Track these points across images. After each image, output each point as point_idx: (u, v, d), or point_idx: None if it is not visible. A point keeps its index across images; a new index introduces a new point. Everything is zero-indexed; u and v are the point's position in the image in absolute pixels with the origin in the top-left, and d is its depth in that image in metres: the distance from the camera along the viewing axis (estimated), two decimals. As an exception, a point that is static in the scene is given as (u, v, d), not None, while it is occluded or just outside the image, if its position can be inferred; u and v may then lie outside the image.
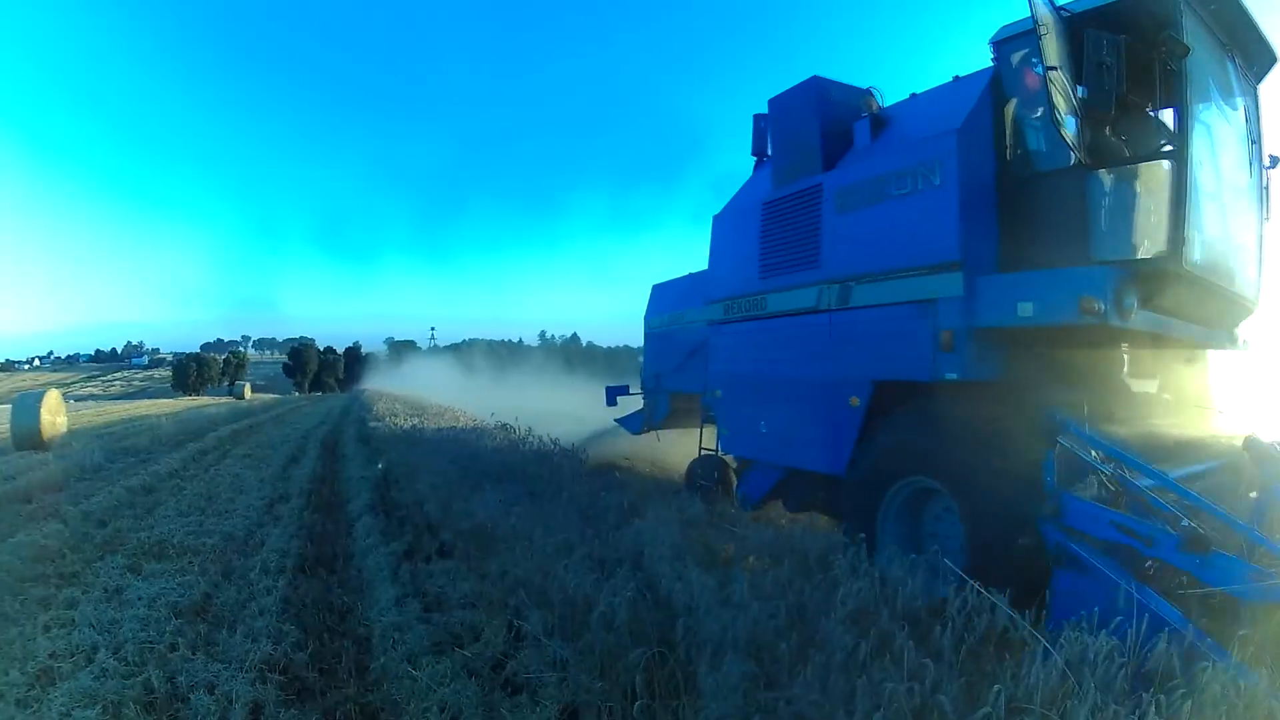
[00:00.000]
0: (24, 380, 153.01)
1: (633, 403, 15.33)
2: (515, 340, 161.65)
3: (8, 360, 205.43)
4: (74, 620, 6.69)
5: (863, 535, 6.76)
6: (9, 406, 22.91)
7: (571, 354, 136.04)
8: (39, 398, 21.63)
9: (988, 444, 6.41)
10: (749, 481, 10.12)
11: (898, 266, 7.60)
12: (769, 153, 10.39)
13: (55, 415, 22.20)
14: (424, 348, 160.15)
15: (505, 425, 19.53)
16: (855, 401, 7.96)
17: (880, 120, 8.56)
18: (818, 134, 8.85)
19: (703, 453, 11.65)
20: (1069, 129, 6.47)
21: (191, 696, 5.27)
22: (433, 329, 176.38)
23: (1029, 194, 7.16)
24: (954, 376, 6.99)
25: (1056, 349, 7.13)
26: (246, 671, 5.66)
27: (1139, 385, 8.00)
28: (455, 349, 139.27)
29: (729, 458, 11.14)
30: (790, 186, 9.20)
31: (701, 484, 10.99)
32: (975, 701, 4.13)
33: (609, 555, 6.96)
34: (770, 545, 7.24)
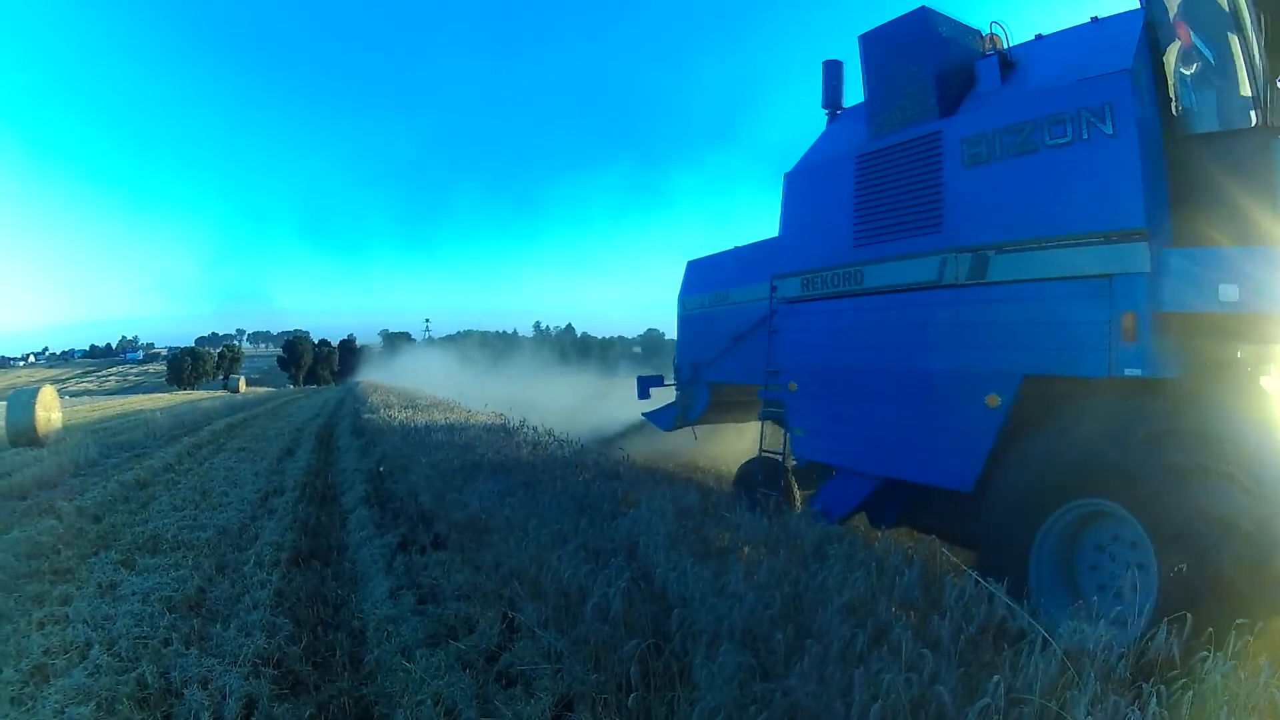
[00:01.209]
0: (19, 376, 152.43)
1: (663, 395, 14.22)
2: (510, 331, 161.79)
3: (2, 357, 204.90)
4: (68, 616, 6.68)
5: (1002, 572, 5.55)
6: (3, 403, 22.83)
7: (566, 345, 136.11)
8: (34, 394, 21.56)
9: (1198, 458, 5.23)
10: (832, 492, 8.64)
11: (1057, 233, 6.27)
12: (843, 105, 9.32)
13: (50, 411, 22.14)
14: (419, 340, 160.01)
15: (500, 416, 19.51)
16: (994, 401, 6.62)
17: (1008, 61, 7.22)
18: (931, 73, 7.42)
19: (764, 454, 10.30)
20: (1253, 87, 5.92)
21: (185, 691, 5.25)
22: (427, 321, 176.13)
23: (1198, 156, 5.99)
24: (1137, 372, 5.82)
25: (1253, 343, 5.92)
26: (240, 666, 5.64)
27: None
28: (450, 341, 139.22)
29: (791, 460, 9.92)
30: (894, 135, 7.80)
31: (764, 492, 9.18)
32: (974, 692, 4.11)
33: (603, 546, 6.92)
34: (766, 535, 7.21)
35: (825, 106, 9.45)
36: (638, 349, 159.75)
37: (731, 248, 12.32)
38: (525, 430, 16.11)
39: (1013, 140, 6.61)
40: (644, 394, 14.28)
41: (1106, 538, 5.86)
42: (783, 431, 9.87)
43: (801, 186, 9.22)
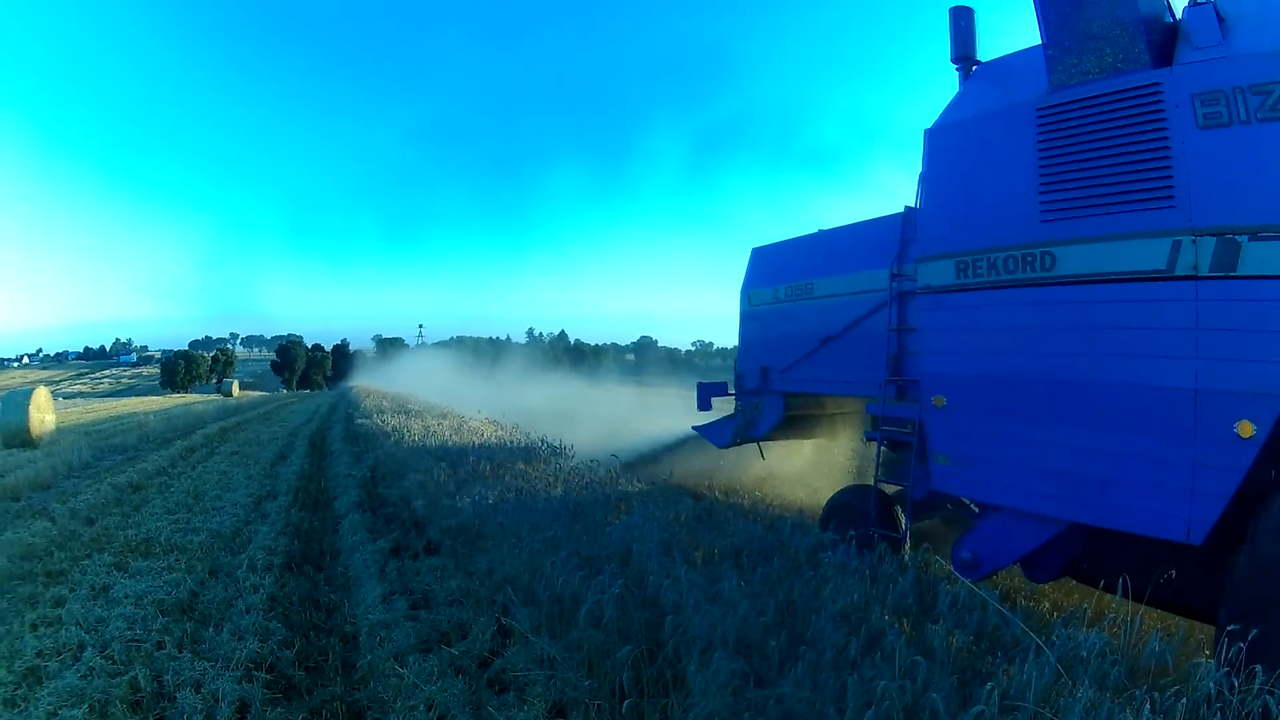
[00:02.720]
0: (12, 378, 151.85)
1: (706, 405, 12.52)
2: (503, 337, 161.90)
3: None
4: (61, 619, 6.69)
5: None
6: (-3, 404, 22.78)
7: (560, 351, 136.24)
8: (27, 395, 21.53)
9: None
10: (989, 537, 7.06)
11: None
12: (976, 57, 7.68)
13: (44, 413, 22.11)
14: (412, 345, 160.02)
15: (494, 422, 19.49)
16: (1247, 430, 5.20)
17: (1220, 14, 5.77)
18: (1137, 14, 6.03)
19: (879, 483, 8.28)
20: None
21: (178, 695, 5.26)
22: (420, 326, 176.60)
23: None
24: None
25: None
26: (233, 669, 5.65)
27: None
28: (443, 346, 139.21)
29: (889, 490, 8.40)
30: (1090, 85, 6.34)
31: (878, 532, 7.84)
32: (968, 699, 4.13)
33: (596, 553, 6.94)
34: (759, 542, 7.22)
35: (955, 60, 7.82)
36: (630, 356, 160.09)
37: (816, 231, 10.46)
38: (519, 436, 16.03)
39: (1261, 102, 5.32)
40: (705, 404, 12.56)
41: None
42: (878, 455, 8.30)
43: (952, 146, 7.49)
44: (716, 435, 11.79)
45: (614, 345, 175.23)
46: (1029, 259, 6.55)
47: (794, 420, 10.78)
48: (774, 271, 10.91)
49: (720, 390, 12.57)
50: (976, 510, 7.53)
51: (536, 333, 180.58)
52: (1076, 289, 6.23)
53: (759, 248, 11.45)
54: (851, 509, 8.59)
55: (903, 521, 8.00)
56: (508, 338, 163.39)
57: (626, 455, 13.97)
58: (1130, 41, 6.06)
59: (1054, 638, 4.74)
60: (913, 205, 8.17)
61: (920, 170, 7.77)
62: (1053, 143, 6.47)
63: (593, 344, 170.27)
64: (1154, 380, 5.71)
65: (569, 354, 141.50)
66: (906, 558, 7.23)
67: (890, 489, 8.35)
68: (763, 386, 10.80)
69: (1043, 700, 4.07)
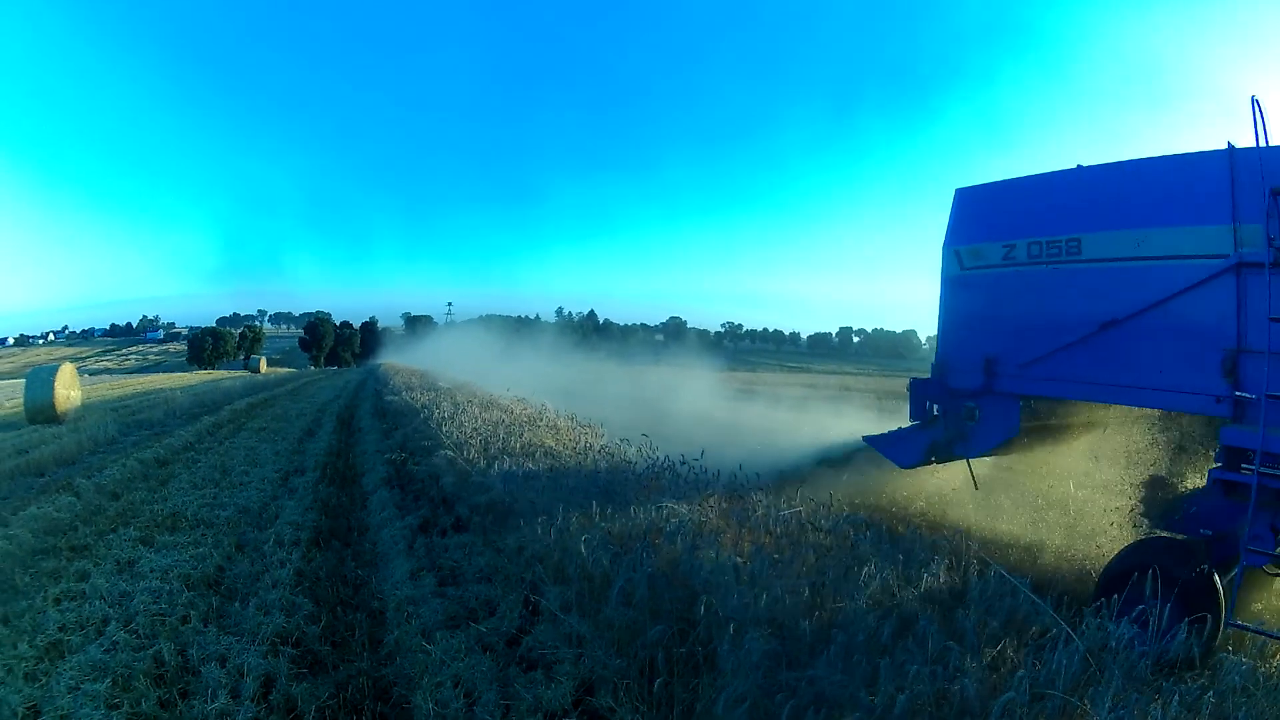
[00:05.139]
0: (38, 355, 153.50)
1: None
2: (533, 316, 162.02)
3: (22, 335, 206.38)
4: (85, 593, 6.66)
5: None
6: (23, 380, 22.93)
7: (588, 330, 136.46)
8: (53, 371, 21.63)
9: None
10: None
11: None
12: None
13: (69, 389, 22.21)
14: (441, 323, 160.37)
15: (522, 400, 19.41)
16: None
17: None
18: None
19: (1207, 539, 6.05)
20: None
21: (203, 669, 5.21)
22: (449, 304, 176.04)
23: None
24: None
25: None
26: (259, 644, 5.60)
27: None
28: (473, 324, 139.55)
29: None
30: None
31: (1240, 626, 5.42)
32: (998, 686, 4.04)
33: (628, 531, 6.82)
34: (791, 524, 7.08)
35: None
36: (660, 336, 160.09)
37: (1073, 167, 7.68)
38: (548, 414, 15.79)
39: None
40: (920, 411, 9.18)
41: None
42: (1252, 506, 5.58)
43: None
44: (899, 450, 9.22)
45: (643, 325, 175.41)
46: None
47: (1038, 431, 8.38)
48: (1006, 220, 8.16)
49: (935, 391, 8.98)
50: None
51: (566, 312, 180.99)
52: None
53: (968, 188, 8.76)
54: (1167, 575, 5.56)
55: (1224, 598, 5.65)
56: (537, 316, 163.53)
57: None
58: None
59: (1083, 627, 4.67)
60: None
61: None
62: None
63: (621, 324, 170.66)
64: None
65: (598, 333, 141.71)
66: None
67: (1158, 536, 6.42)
68: (986, 385, 8.15)
69: (1072, 689, 3.99)
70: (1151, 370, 6.65)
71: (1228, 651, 4.31)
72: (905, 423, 9.41)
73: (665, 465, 9.39)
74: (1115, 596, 5.30)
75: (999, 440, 8.17)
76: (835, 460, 11.30)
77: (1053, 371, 7.47)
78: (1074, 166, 7.61)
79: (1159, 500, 6.49)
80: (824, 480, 10.20)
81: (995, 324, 8.12)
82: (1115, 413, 7.91)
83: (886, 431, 9.44)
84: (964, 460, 8.67)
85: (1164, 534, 6.37)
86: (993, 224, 8.24)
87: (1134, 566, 5.85)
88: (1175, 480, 6.93)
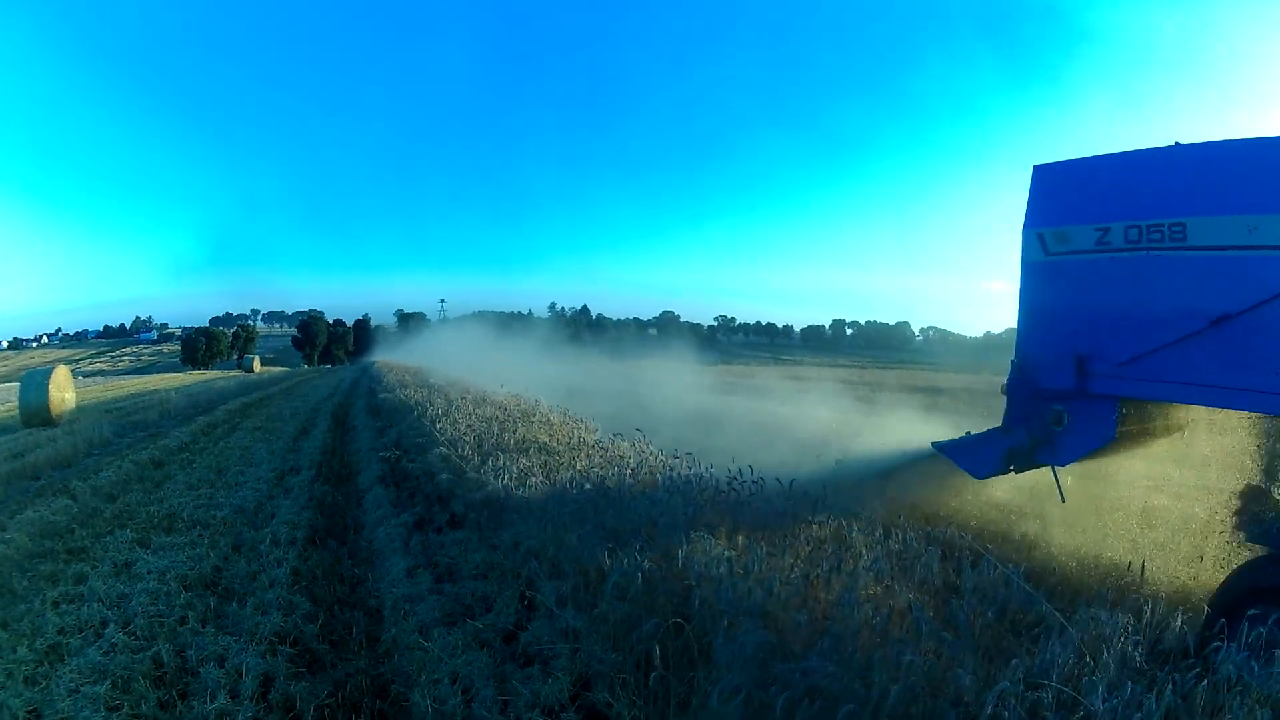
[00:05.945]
0: (32, 357, 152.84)
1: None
2: (525, 312, 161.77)
3: (16, 338, 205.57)
4: (82, 596, 6.69)
5: None
6: (17, 383, 22.91)
7: (581, 325, 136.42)
8: (47, 374, 21.61)
9: None
10: None
11: None
12: None
13: (64, 391, 22.21)
14: (434, 320, 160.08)
15: (516, 396, 19.41)
16: None
17: None
18: None
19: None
20: None
21: (201, 669, 5.25)
22: (442, 301, 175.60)
23: None
24: None
25: None
26: (257, 644, 5.63)
27: None
28: (465, 321, 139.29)
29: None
30: None
31: None
32: (992, 676, 4.06)
33: (622, 525, 6.83)
34: (787, 517, 7.11)
35: None
36: (652, 330, 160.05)
37: (1170, 145, 6.70)
38: (542, 410, 15.74)
39: None
40: (1019, 419, 7.81)
41: None
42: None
43: None
44: (973, 459, 8.08)
45: (636, 320, 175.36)
46: None
47: (1136, 436, 7.44)
48: (1097, 201, 7.16)
49: (1020, 392, 7.80)
50: None
51: (559, 307, 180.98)
52: None
53: (1049, 165, 7.62)
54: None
55: None
56: (530, 312, 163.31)
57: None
58: None
59: (1078, 617, 4.70)
60: None
61: None
62: None
63: (614, 318, 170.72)
64: None
65: (590, 328, 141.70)
66: None
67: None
68: (1079, 386, 7.15)
69: (1067, 679, 4.00)
70: (1269, 372, 5.76)
71: (1220, 642, 4.27)
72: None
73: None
74: (1226, 621, 4.70)
75: (1093, 446, 7.20)
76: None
77: (1156, 371, 6.54)
78: (1171, 144, 6.64)
79: (1256, 512, 5.89)
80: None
81: (1088, 317, 7.12)
82: (1195, 414, 7.29)
83: (957, 437, 8.44)
84: (1054, 469, 7.57)
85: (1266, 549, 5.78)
86: (1082, 205, 7.23)
87: (1250, 588, 5.35)
88: (1273, 489, 6.35)
